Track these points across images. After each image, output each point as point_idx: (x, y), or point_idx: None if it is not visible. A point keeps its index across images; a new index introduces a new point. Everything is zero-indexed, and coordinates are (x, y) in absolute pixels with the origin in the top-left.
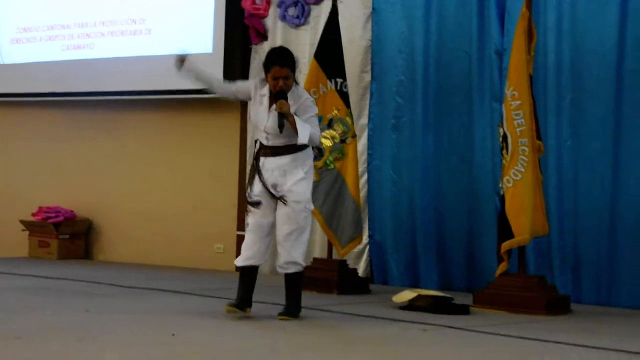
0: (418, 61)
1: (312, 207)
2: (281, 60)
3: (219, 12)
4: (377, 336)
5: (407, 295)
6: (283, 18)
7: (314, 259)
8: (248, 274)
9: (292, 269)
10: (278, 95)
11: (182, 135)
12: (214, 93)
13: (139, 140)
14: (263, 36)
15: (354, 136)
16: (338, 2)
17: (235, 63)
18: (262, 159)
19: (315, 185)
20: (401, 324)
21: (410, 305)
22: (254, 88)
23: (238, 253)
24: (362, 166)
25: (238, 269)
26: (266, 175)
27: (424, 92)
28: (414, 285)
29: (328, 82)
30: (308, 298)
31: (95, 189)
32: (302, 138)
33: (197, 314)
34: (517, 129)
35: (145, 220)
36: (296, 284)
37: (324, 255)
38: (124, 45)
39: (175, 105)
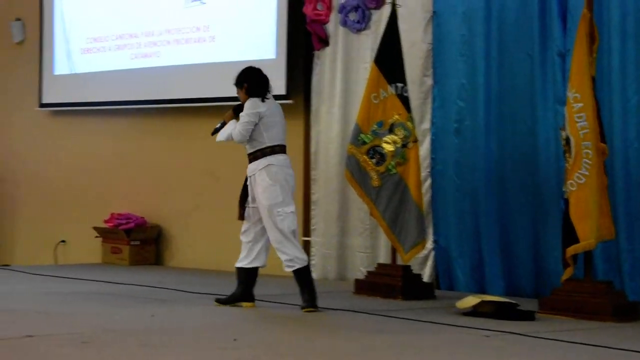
0: (479, 64)
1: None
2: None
3: (282, 19)
4: (439, 342)
5: (471, 301)
6: (344, 23)
7: (378, 264)
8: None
9: (297, 265)
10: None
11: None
12: None
13: (206, 147)
14: (325, 42)
15: (416, 141)
16: (398, 6)
17: (298, 69)
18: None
19: (378, 191)
20: (464, 330)
21: (474, 311)
22: None
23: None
24: (425, 171)
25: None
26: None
27: (486, 96)
28: (480, 290)
29: (388, 86)
30: (372, 303)
31: (165, 195)
32: (222, 134)
33: (260, 319)
34: (580, 132)
35: (214, 226)
36: (306, 276)
37: (388, 260)
38: (189, 53)
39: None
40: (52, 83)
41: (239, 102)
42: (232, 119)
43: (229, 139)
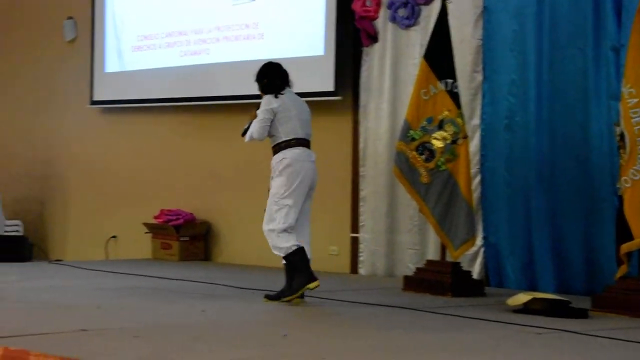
0: (530, 59)
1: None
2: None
3: (330, 15)
4: (490, 339)
5: (522, 298)
6: (393, 19)
7: (427, 261)
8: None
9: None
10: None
11: None
12: None
13: (255, 143)
14: (373, 38)
15: (465, 137)
16: (448, 1)
17: (347, 65)
18: None
19: (427, 187)
20: (515, 327)
21: (526, 309)
22: None
23: (353, 255)
24: (475, 167)
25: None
26: None
27: (537, 91)
28: (530, 288)
29: (438, 82)
30: (421, 300)
31: (214, 192)
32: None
33: (310, 315)
34: (635, 128)
35: (262, 222)
36: (287, 268)
37: (437, 257)
38: (238, 50)
39: None
40: (102, 81)
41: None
42: (255, 118)
43: (252, 138)
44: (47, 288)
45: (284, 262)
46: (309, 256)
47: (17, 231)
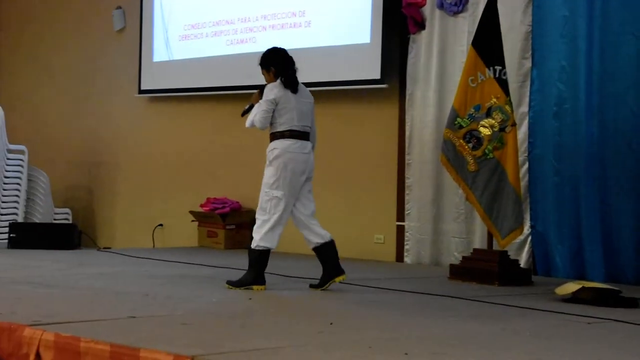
0: (581, 46)
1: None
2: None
3: (377, 3)
4: (539, 328)
5: (570, 287)
6: (441, 6)
7: (474, 249)
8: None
9: (253, 245)
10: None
11: (341, 126)
12: None
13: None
14: (421, 25)
15: (514, 125)
16: None
17: (394, 53)
18: None
19: (474, 175)
20: (564, 317)
21: (574, 298)
22: None
23: (399, 244)
24: (522, 155)
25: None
26: None
27: (587, 78)
28: (579, 277)
29: (486, 70)
30: (468, 289)
31: (260, 180)
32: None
33: (356, 303)
34: None
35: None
36: (250, 258)
37: (484, 246)
38: (284, 38)
39: (336, 96)
40: (150, 70)
41: (265, 84)
42: (258, 101)
43: (252, 125)
44: (96, 275)
45: (313, 249)
46: (321, 236)
47: (66, 219)
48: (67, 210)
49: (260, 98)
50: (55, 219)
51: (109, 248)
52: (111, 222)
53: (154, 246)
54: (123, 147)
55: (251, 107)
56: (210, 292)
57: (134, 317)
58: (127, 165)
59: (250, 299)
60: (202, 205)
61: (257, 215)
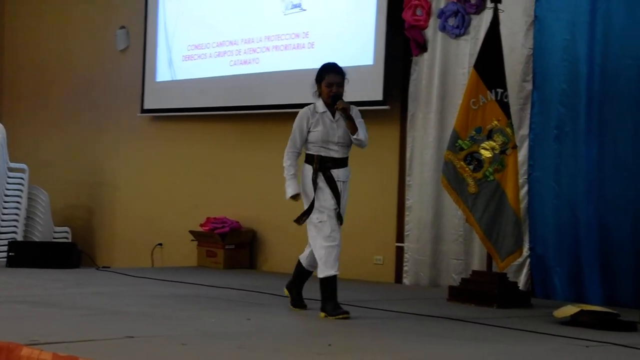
0: (582, 69)
1: None
2: (335, 69)
3: (380, 24)
4: (537, 352)
5: (569, 310)
6: (443, 29)
7: (473, 271)
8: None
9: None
10: (336, 98)
11: None
12: None
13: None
14: (423, 47)
15: (515, 147)
16: (500, 11)
17: (396, 74)
18: (334, 171)
19: (474, 197)
20: (562, 340)
21: (573, 321)
22: (307, 118)
23: (397, 265)
24: (522, 177)
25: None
26: (338, 186)
27: (587, 101)
28: (577, 300)
29: (488, 92)
30: (466, 311)
31: (260, 200)
32: (362, 134)
33: (355, 324)
34: None
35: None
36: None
37: (483, 267)
38: (288, 60)
39: None
40: (153, 89)
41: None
42: (349, 107)
43: (366, 146)
44: (95, 294)
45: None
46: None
47: (65, 238)
48: (66, 229)
49: (347, 106)
50: (54, 238)
51: (108, 267)
52: (111, 241)
53: (153, 265)
54: (124, 166)
55: (344, 110)
56: (209, 312)
57: (132, 337)
58: (128, 184)
59: (248, 319)
60: (201, 225)
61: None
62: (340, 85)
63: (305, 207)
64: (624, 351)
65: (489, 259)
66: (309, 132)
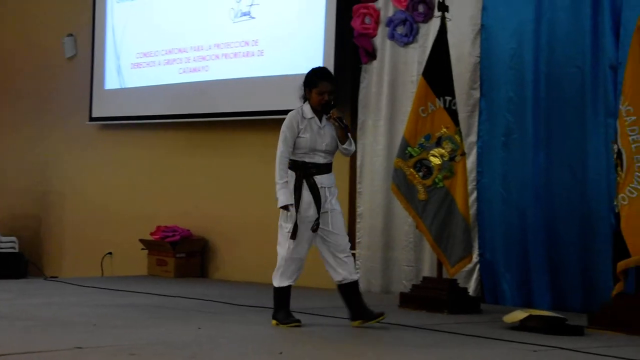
0: (528, 77)
1: None
2: (329, 76)
3: (329, 33)
4: (486, 357)
5: (518, 315)
6: (392, 37)
7: (424, 277)
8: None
9: (356, 277)
10: (328, 107)
11: None
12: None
13: (253, 160)
14: (372, 55)
15: (463, 154)
16: (447, 19)
17: (345, 82)
18: (317, 177)
19: (424, 204)
20: (511, 345)
21: (522, 326)
22: (297, 123)
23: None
24: (471, 184)
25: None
26: (320, 192)
27: (534, 109)
28: (526, 305)
29: (437, 100)
30: (418, 317)
31: (211, 208)
32: (353, 145)
33: (307, 333)
34: (633, 145)
35: (259, 239)
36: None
37: (434, 274)
38: (237, 68)
39: None
40: (102, 97)
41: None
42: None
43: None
44: (42, 305)
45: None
46: None
47: (12, 248)
48: (13, 238)
49: (342, 116)
50: (1, 248)
51: (56, 277)
52: (59, 250)
53: (102, 275)
54: (73, 174)
55: (339, 120)
56: (159, 322)
57: (81, 347)
58: (77, 193)
59: (199, 328)
60: (152, 233)
61: (348, 245)
62: (332, 93)
63: (289, 216)
64: (571, 355)
65: (439, 265)
66: (298, 136)
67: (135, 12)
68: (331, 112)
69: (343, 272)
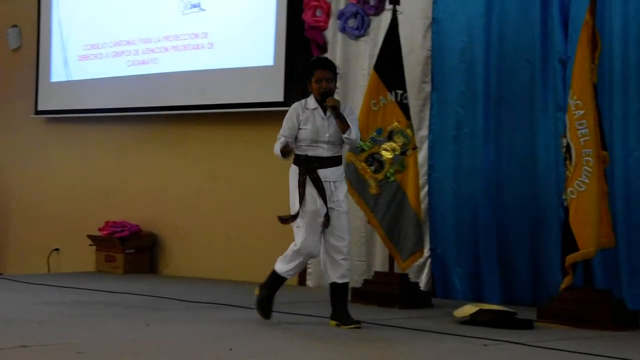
0: (479, 71)
1: None
2: (324, 64)
3: (280, 25)
4: (438, 351)
5: (468, 309)
6: (343, 30)
7: (375, 272)
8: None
9: (345, 280)
10: (326, 95)
11: (245, 149)
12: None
13: (203, 154)
14: (323, 48)
15: (415, 148)
16: (398, 12)
17: (297, 75)
18: (320, 171)
19: (376, 198)
20: (462, 339)
21: (472, 320)
22: (297, 114)
23: (305, 270)
24: (422, 178)
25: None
26: (325, 186)
27: (485, 103)
28: (477, 299)
29: (388, 93)
30: (369, 312)
31: (161, 203)
32: (354, 133)
33: (257, 328)
34: (581, 139)
35: (209, 235)
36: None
37: (386, 269)
38: (187, 60)
39: (239, 119)
40: (48, 90)
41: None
42: (339, 105)
43: (357, 145)
44: None
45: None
46: None
47: None
48: None
49: (337, 104)
50: None
51: (1, 274)
52: (3, 246)
53: (49, 271)
54: (18, 168)
55: (334, 109)
56: (106, 318)
57: (26, 346)
58: (22, 187)
59: (147, 325)
60: (100, 229)
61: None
62: (330, 80)
63: (291, 208)
64: (520, 349)
65: (391, 259)
66: (299, 128)
67: (82, 3)
68: (327, 100)
69: (334, 274)
